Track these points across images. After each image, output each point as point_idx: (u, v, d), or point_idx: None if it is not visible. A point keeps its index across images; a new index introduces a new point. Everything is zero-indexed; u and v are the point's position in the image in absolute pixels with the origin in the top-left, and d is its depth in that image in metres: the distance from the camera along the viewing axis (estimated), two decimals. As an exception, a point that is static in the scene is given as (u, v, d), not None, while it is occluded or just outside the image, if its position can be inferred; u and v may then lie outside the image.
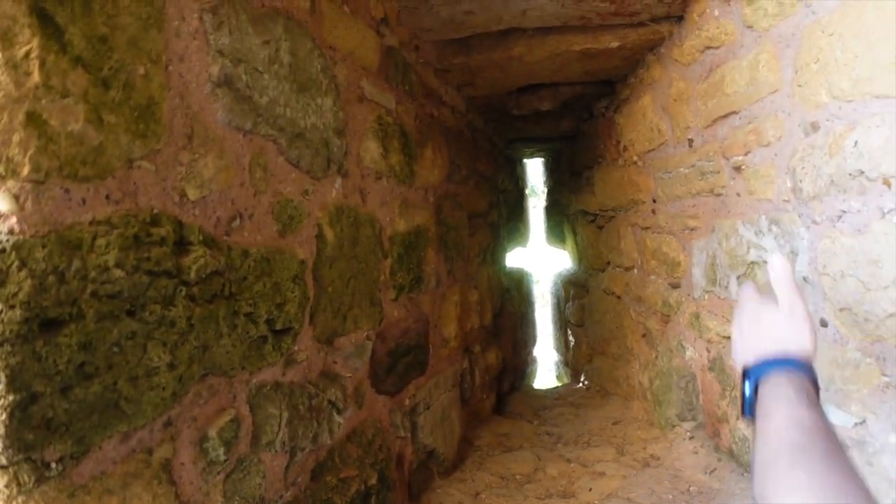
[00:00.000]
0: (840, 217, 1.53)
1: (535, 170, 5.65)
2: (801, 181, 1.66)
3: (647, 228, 2.88)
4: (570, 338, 4.72)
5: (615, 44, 2.37)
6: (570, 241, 4.60)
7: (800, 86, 1.63)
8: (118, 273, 0.87)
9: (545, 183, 5.40)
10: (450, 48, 2.41)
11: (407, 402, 2.04)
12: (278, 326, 1.28)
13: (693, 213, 2.36)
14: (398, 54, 2.08)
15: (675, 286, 2.59)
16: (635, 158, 2.90)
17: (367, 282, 1.73)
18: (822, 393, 1.68)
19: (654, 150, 2.68)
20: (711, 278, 2.24)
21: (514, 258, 4.76)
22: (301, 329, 1.37)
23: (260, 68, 1.26)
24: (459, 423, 2.62)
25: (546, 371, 5.45)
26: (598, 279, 3.85)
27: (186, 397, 1.02)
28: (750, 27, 1.83)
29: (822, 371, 1.67)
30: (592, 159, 3.64)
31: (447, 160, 2.65)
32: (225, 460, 1.08)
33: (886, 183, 1.36)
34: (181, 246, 1.02)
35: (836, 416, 1.60)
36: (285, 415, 1.27)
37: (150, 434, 0.95)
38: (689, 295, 2.47)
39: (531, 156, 5.07)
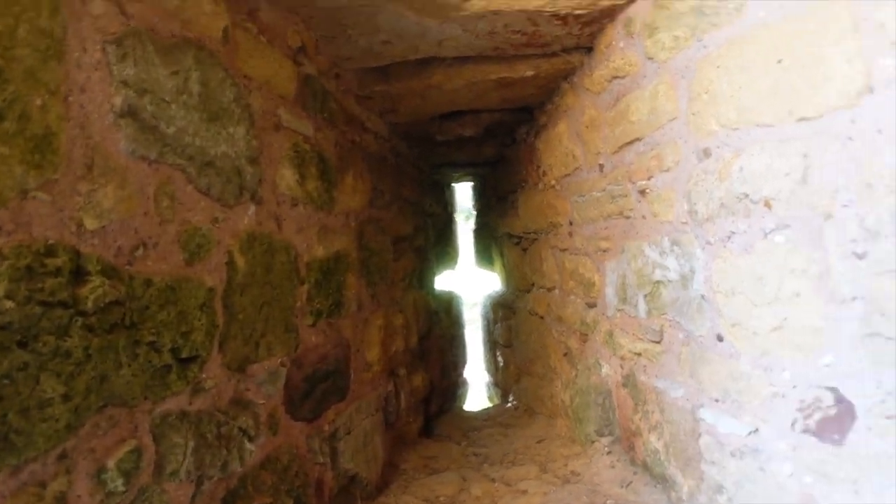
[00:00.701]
0: (730, 238, 1.66)
1: (464, 194, 5.77)
2: (696, 204, 1.78)
3: (565, 250, 3.00)
4: (500, 358, 4.81)
5: (530, 73, 2.49)
6: (498, 264, 4.72)
7: (693, 114, 1.77)
8: (8, 304, 0.88)
9: (474, 206, 5.52)
10: (370, 76, 2.48)
11: (326, 427, 2.05)
12: (184, 355, 1.29)
13: (605, 235, 2.49)
14: (317, 82, 2.12)
15: (592, 306, 2.71)
16: (553, 182, 3.03)
17: (281, 308, 1.75)
18: (719, 404, 1.80)
19: (569, 174, 2.80)
20: (622, 297, 2.36)
21: (444, 281, 4.83)
22: (209, 357, 1.38)
23: (167, 98, 1.28)
24: (383, 447, 2.64)
25: (478, 392, 5.52)
26: (524, 300, 3.96)
27: (83, 429, 1.02)
28: (651, 59, 1.97)
29: (719, 384, 1.80)
30: (516, 183, 3.77)
31: (369, 185, 2.70)
32: (124, 491, 1.08)
33: (767, 205, 1.50)
34: (78, 276, 1.02)
35: (732, 426, 1.72)
36: (191, 443, 1.28)
37: (43, 467, 0.94)
38: (603, 314, 2.59)
39: (459, 180, 5.19)
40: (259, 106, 1.73)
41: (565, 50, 2.36)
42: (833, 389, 1.37)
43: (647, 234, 2.12)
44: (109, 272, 1.09)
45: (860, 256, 1.26)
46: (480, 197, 5.24)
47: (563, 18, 2.05)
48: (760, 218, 1.52)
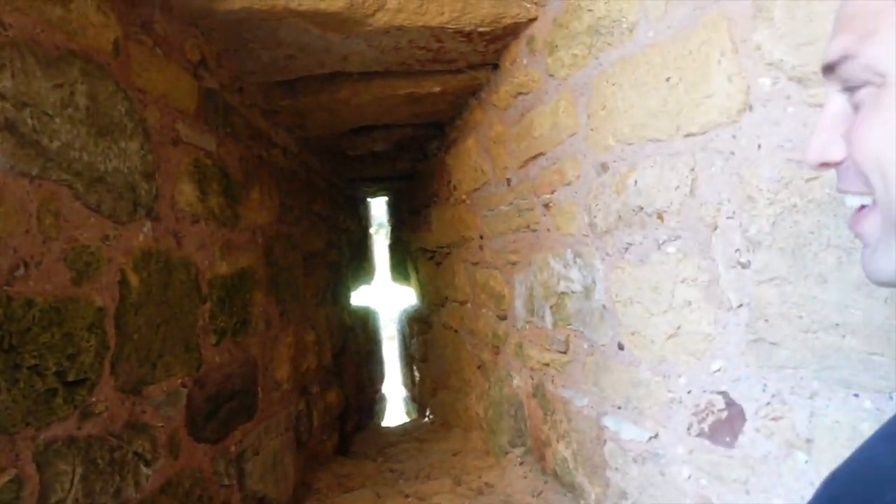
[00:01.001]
0: (627, 249, 1.75)
1: (379, 209, 5.78)
2: (595, 217, 1.87)
3: (476, 264, 3.06)
4: (416, 373, 4.83)
5: (437, 88, 2.55)
6: (413, 278, 4.75)
7: (592, 130, 1.85)
8: None
9: (389, 221, 5.54)
10: (276, 90, 2.46)
11: (233, 448, 2.00)
12: (71, 378, 1.24)
13: (514, 249, 2.56)
14: (219, 96, 2.09)
15: (503, 318, 2.77)
16: (464, 197, 3.09)
17: (181, 327, 1.71)
18: (621, 412, 1.87)
19: (479, 189, 2.87)
20: (530, 309, 2.43)
21: (360, 296, 4.82)
22: (99, 379, 1.33)
23: (50, 112, 1.24)
24: (295, 467, 2.60)
25: (396, 408, 5.51)
26: (439, 314, 4.01)
27: (-46, 460, 0.97)
28: (552, 76, 2.05)
29: (621, 391, 1.88)
30: (429, 198, 3.82)
31: (277, 201, 2.68)
32: (2, 525, 1.03)
33: (660, 217, 1.59)
34: (-51, 298, 0.98)
35: (633, 432, 1.79)
36: (79, 471, 1.23)
37: None
38: (513, 326, 2.66)
39: (374, 195, 5.20)
40: (156, 120, 1.69)
41: (471, 66, 2.43)
42: (724, 394, 1.44)
43: (551, 246, 2.20)
44: (-16, 293, 1.04)
45: (744, 266, 1.35)
46: (395, 212, 5.27)
47: (468, 35, 2.11)
48: (654, 230, 1.61)
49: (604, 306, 1.90)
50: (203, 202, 1.91)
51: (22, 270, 1.15)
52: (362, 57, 2.20)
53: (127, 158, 1.51)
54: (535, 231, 2.34)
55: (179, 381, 1.68)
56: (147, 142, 1.62)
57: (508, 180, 2.51)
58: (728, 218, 1.39)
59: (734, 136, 1.36)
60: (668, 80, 1.49)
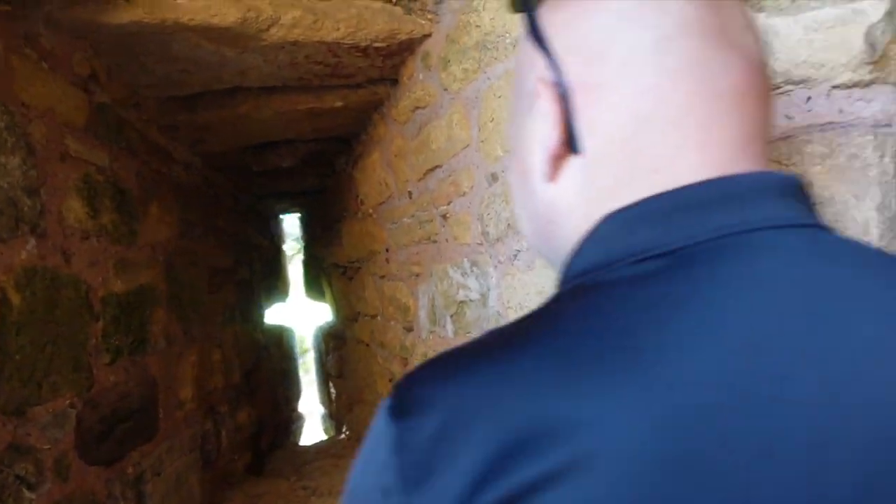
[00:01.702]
0: (516, 256, 1.84)
1: (293, 224, 5.75)
2: (487, 226, 1.96)
3: (383, 277, 3.11)
4: (332, 389, 4.82)
5: (339, 103, 2.60)
6: (328, 294, 4.75)
7: (482, 141, 1.94)
8: None
9: (302, 237, 5.52)
10: (174, 105, 2.45)
11: (130, 470, 1.97)
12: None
13: (417, 260, 2.63)
14: (111, 111, 2.07)
15: (409, 329, 2.83)
16: (371, 211, 3.14)
17: (70, 346, 1.68)
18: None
19: (384, 202, 2.94)
20: (433, 319, 2.50)
21: (275, 314, 4.77)
22: (-23, 400, 1.31)
23: (-82, 126, 1.22)
24: (201, 488, 2.56)
25: (314, 426, 5.46)
26: (352, 329, 4.02)
27: None
28: (446, 90, 2.14)
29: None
30: (339, 213, 3.85)
31: (178, 217, 2.65)
32: None
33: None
34: None
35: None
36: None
37: None
38: (419, 337, 2.72)
39: (286, 210, 5.17)
40: (42, 135, 1.67)
41: (371, 81, 2.49)
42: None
43: (450, 256, 2.28)
44: None
45: None
46: (308, 228, 5.26)
47: (364, 51, 2.17)
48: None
49: (498, 312, 1.98)
50: (94, 218, 1.88)
51: None
52: (259, 72, 2.23)
53: (7, 174, 1.49)
54: (435, 242, 2.41)
55: (68, 401, 1.65)
56: (31, 156, 1.60)
57: (410, 193, 2.58)
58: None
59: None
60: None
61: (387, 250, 2.99)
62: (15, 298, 1.47)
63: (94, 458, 1.75)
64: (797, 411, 0.43)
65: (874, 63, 0.96)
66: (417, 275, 2.64)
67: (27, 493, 1.43)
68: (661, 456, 0.41)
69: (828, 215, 0.95)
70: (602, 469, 0.40)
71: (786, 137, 1.01)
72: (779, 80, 0.99)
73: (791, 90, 1.01)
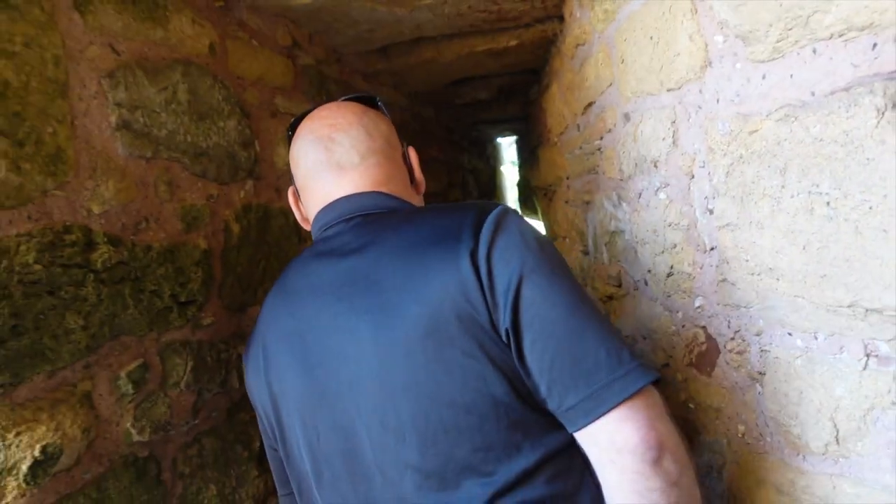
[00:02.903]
0: (640, 195, 1.92)
1: (510, 147, 6.03)
2: (622, 163, 2.05)
3: (567, 202, 3.28)
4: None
5: (513, 42, 2.77)
6: (539, 213, 5.01)
7: (619, 82, 2.02)
8: (37, 267, 1.36)
9: (517, 160, 5.78)
10: (372, 56, 2.84)
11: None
12: (182, 299, 1.76)
13: (587, 189, 2.76)
14: (313, 70, 2.52)
15: (586, 253, 3.00)
16: (555, 140, 3.29)
17: (280, 262, 2.21)
18: (645, 342, 2.07)
19: (563, 132, 3.07)
20: (595, 245, 2.65)
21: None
22: (207, 301, 1.86)
23: (157, 109, 1.73)
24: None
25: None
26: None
27: (101, 349, 1.52)
28: (594, 29, 2.21)
29: (646, 323, 2.09)
30: (537, 139, 4.03)
31: (383, 152, 3.09)
32: (134, 393, 1.58)
33: (655, 165, 1.76)
34: (90, 246, 1.50)
35: (649, 359, 2.00)
36: (191, 364, 1.77)
37: (73, 373, 1.44)
38: (594, 260, 2.88)
39: (502, 135, 5.45)
40: (254, 98, 2.16)
41: (538, 20, 2.62)
42: (703, 328, 1.62)
43: (605, 188, 2.40)
44: (115, 242, 1.57)
45: (711, 212, 1.51)
46: (520, 151, 5.50)
47: (522, -4, 2.32)
48: (652, 177, 1.79)
49: (633, 246, 2.09)
50: (299, 161, 2.37)
51: (144, 224, 1.67)
52: (433, 24, 2.50)
53: (225, 135, 1.99)
54: (597, 174, 2.53)
55: (278, 304, 2.19)
56: (245, 118, 2.09)
57: (578, 125, 2.69)
58: (700, 167, 1.53)
59: (700, 91, 1.48)
60: (651, 38, 1.64)
61: (567, 178, 3.14)
62: (235, 227, 2.00)
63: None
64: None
65: None
66: (588, 203, 2.77)
67: (246, 368, 1.99)
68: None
69: (860, 177, 0.93)
70: None
71: (847, 88, 0.99)
72: (840, 27, 0.97)
73: (855, 37, 0.98)
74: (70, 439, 1.40)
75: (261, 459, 2.00)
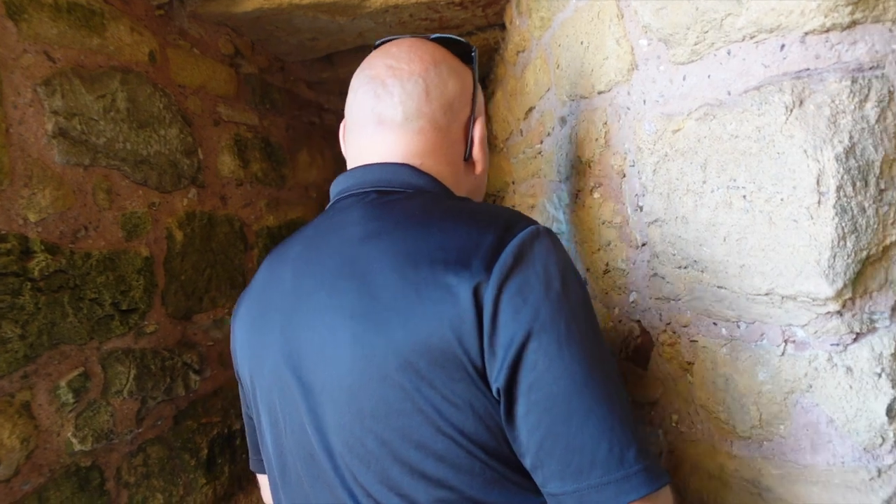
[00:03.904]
0: (577, 195, 1.96)
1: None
2: (560, 165, 2.08)
3: (514, 207, 3.31)
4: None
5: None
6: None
7: (555, 86, 2.05)
8: (-32, 277, 1.31)
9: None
10: (316, 65, 2.83)
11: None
12: (124, 307, 1.72)
13: (531, 192, 2.79)
14: (256, 79, 2.50)
15: (531, 255, 3.03)
16: (502, 146, 3.33)
17: (226, 269, 2.18)
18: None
19: (508, 138, 3.10)
20: (541, 247, 2.67)
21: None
22: (150, 308, 1.82)
23: (95, 117, 1.69)
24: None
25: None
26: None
27: (40, 359, 1.47)
28: (532, 35, 2.25)
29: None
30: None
31: (331, 160, 3.08)
32: (75, 402, 1.53)
33: (590, 166, 1.79)
34: (27, 254, 1.45)
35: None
36: (133, 372, 1.72)
37: (10, 383, 1.39)
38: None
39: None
40: (196, 107, 2.12)
41: (480, 28, 2.64)
42: (638, 322, 1.65)
43: (546, 191, 2.43)
44: (53, 250, 1.52)
45: (641, 209, 1.54)
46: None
47: (461, 4, 2.34)
48: (587, 178, 1.82)
49: (573, 247, 2.12)
50: (245, 168, 2.34)
51: (83, 232, 1.62)
52: (375, 32, 2.50)
53: (167, 143, 1.95)
54: (539, 177, 2.56)
55: (226, 310, 2.15)
56: (187, 126, 2.06)
57: (521, 131, 2.73)
58: (630, 166, 1.56)
59: (628, 93, 1.52)
60: (581, 43, 1.67)
61: (513, 183, 3.18)
62: (178, 235, 1.96)
63: (251, 354, 2.26)
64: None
65: (855, 4, 0.94)
66: (532, 206, 2.81)
67: (193, 376, 1.95)
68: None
69: (772, 171, 0.97)
70: None
71: (759, 87, 1.02)
72: (751, 29, 1.01)
73: (765, 38, 1.02)
74: (8, 450, 1.35)
75: (209, 467, 1.96)
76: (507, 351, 0.74)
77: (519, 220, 0.82)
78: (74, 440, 1.52)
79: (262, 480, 1.24)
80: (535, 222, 0.84)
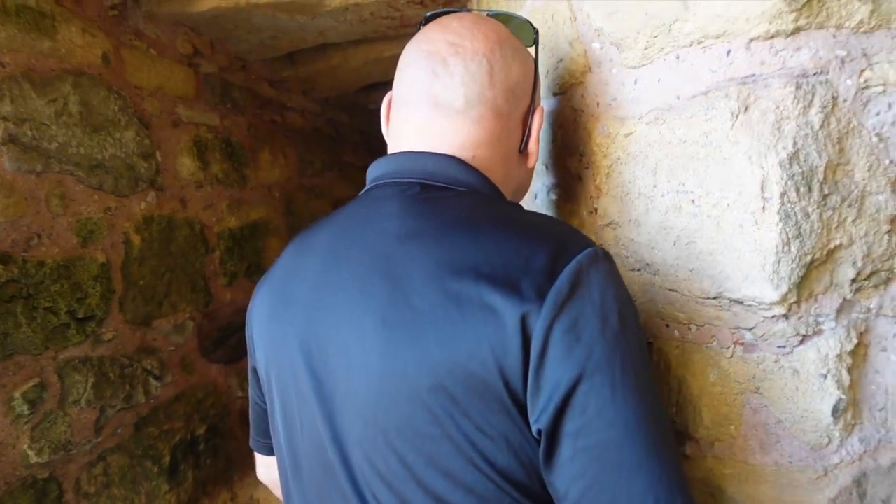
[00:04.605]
0: (536, 195, 1.95)
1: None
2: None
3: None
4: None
5: (419, 49, 2.75)
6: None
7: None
8: (-89, 290, 1.26)
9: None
10: (278, 63, 2.77)
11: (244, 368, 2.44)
12: (80, 315, 1.67)
13: (495, 190, 2.78)
14: (216, 78, 2.44)
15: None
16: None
17: (187, 273, 2.13)
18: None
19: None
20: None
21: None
22: (107, 315, 1.77)
23: (46, 122, 1.63)
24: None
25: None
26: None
27: (-9, 372, 1.42)
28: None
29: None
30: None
31: (295, 159, 3.03)
32: (30, 414, 1.49)
33: (547, 167, 1.78)
34: (-26, 265, 1.40)
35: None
36: (91, 380, 1.67)
37: (-42, 399, 1.34)
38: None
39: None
40: (154, 108, 2.06)
41: (441, 27, 2.61)
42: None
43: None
44: (4, 259, 1.47)
45: (595, 211, 1.54)
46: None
47: (421, 2, 2.31)
48: (546, 178, 1.81)
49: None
50: (205, 169, 2.29)
51: (36, 240, 1.57)
52: (336, 31, 2.45)
53: (123, 146, 1.90)
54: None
55: (187, 315, 2.11)
56: (143, 128, 2.00)
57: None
58: (585, 168, 1.56)
59: (583, 96, 1.51)
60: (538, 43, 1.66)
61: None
62: (135, 239, 1.91)
63: (214, 359, 2.23)
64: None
65: (799, 10, 0.94)
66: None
67: (154, 382, 1.91)
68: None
69: (719, 176, 0.97)
70: None
71: (706, 93, 1.02)
72: (698, 35, 1.00)
73: (712, 44, 1.01)
74: (-44, 468, 1.30)
75: (171, 473, 1.92)
76: (555, 391, 0.66)
77: (574, 239, 0.74)
78: (31, 452, 1.47)
79: (261, 459, 1.14)
80: (591, 242, 0.75)
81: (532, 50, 1.07)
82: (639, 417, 0.68)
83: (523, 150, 1.01)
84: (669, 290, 1.19)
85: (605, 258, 0.74)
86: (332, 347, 0.81)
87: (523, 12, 1.79)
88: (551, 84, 1.64)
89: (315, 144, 3.33)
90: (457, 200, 0.82)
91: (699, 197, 1.03)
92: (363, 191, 0.90)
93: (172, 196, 2.10)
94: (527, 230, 0.75)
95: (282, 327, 0.87)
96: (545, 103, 1.74)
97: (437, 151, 0.87)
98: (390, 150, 0.92)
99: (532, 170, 1.10)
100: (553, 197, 1.76)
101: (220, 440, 2.16)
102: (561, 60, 1.55)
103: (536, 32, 1.09)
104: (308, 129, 3.26)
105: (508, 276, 0.68)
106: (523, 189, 1.14)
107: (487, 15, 1.02)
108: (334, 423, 0.82)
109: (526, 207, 2.04)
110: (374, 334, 0.75)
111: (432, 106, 0.88)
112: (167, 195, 2.07)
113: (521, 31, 1.08)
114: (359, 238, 0.83)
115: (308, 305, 0.85)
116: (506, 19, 1.06)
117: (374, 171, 0.90)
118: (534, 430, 0.69)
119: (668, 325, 1.24)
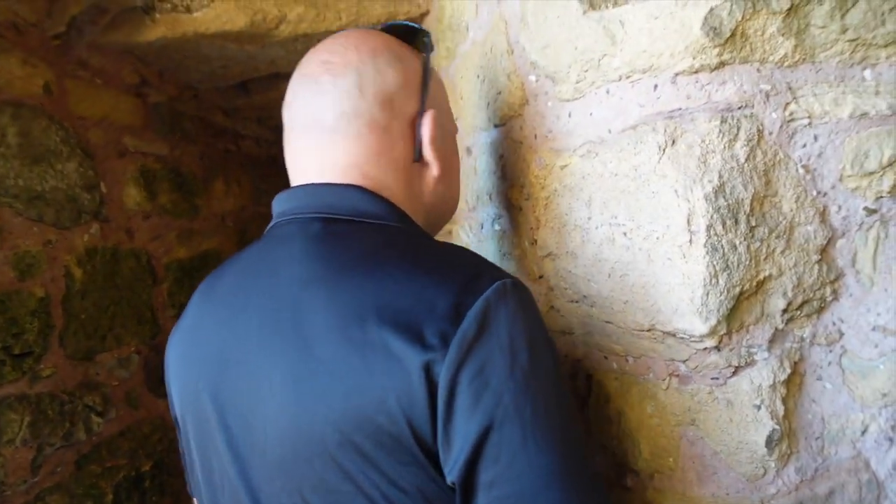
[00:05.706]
0: (482, 225, 1.93)
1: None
2: (468, 195, 2.05)
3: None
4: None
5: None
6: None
7: (460, 117, 2.02)
8: None
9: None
10: (230, 92, 2.71)
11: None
12: (16, 351, 1.58)
13: (451, 219, 2.76)
14: (165, 108, 2.38)
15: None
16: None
17: (133, 305, 2.04)
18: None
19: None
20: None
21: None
22: (46, 351, 1.68)
23: (-21, 153, 1.55)
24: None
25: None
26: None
27: (-89, 416, 1.32)
28: (440, 66, 2.22)
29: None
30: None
31: (249, 187, 2.97)
32: (-44, 459, 1.39)
33: (490, 197, 1.76)
34: None
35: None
36: (28, 419, 1.58)
37: None
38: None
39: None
40: (99, 139, 1.99)
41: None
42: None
43: (459, 219, 2.40)
44: (-72, 297, 1.38)
45: (535, 242, 1.50)
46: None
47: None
48: (489, 209, 1.79)
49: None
50: (152, 200, 2.21)
51: (-34, 276, 1.48)
52: (287, 60, 2.42)
53: (65, 177, 1.82)
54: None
55: (133, 348, 2.02)
56: (87, 159, 1.92)
57: (436, 157, 2.69)
58: (525, 200, 1.54)
59: (521, 128, 1.49)
60: (478, 76, 1.65)
61: (431, 206, 3.14)
62: (77, 272, 1.83)
63: (162, 392, 2.13)
64: None
65: (722, 45, 0.93)
66: (450, 232, 2.78)
67: (96, 418, 1.81)
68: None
69: (648, 210, 0.95)
70: None
71: (635, 126, 1.00)
72: (626, 69, 0.99)
73: (640, 79, 1.00)
74: None
75: (115, 513, 1.82)
76: (465, 443, 0.63)
77: (482, 273, 0.70)
78: (-43, 498, 1.38)
79: None
80: (502, 274, 0.72)
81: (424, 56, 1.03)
82: (552, 461, 0.64)
83: (418, 159, 0.94)
84: (606, 321, 1.17)
85: (513, 290, 0.70)
86: (242, 401, 0.76)
87: (466, 45, 1.79)
88: (492, 115, 1.63)
89: (271, 172, 3.27)
90: (360, 235, 0.78)
91: (631, 230, 1.01)
92: (268, 227, 0.86)
93: (118, 227, 2.02)
94: (433, 268, 0.71)
95: (195, 380, 0.82)
96: (485, 135, 1.73)
97: (334, 182, 0.83)
98: (291, 181, 0.89)
99: (447, 179, 1.03)
100: (497, 228, 1.74)
101: (166, 476, 2.06)
102: (500, 92, 1.54)
103: (427, 35, 1.02)
104: (263, 158, 3.20)
105: (411, 322, 0.64)
106: (442, 204, 1.08)
107: (381, 28, 0.98)
108: (248, 477, 0.77)
109: (473, 237, 2.02)
110: (282, 388, 0.71)
111: (313, 129, 0.85)
112: (112, 226, 1.99)
113: (415, 40, 1.03)
114: (263, 284, 0.79)
115: (217, 357, 0.80)
116: (394, 29, 1.00)
117: (277, 206, 0.86)
118: (448, 481, 0.65)
119: (606, 357, 1.22)
